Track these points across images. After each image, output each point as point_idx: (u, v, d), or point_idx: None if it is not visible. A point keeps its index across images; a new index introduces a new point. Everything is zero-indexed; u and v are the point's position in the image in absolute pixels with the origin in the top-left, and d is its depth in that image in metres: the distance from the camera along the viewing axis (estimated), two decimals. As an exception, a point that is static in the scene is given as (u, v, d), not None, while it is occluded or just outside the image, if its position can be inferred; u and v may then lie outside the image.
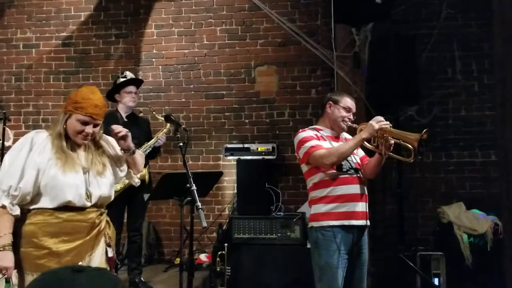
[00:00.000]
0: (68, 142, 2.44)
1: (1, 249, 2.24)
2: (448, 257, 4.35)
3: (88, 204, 2.41)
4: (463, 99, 5.20)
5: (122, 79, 4.35)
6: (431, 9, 5.17)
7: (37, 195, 2.34)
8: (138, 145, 4.21)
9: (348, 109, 3.07)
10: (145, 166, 4.25)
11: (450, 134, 5.20)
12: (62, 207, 2.35)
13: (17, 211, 2.32)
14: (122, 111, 4.31)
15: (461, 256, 4.47)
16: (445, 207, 4.77)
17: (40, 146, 2.37)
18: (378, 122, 2.87)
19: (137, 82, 4.46)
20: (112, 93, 4.34)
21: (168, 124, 4.30)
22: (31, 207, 2.35)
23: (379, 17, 4.50)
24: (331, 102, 3.10)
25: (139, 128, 4.35)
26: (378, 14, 4.42)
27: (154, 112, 4.48)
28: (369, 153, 3.12)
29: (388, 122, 2.89)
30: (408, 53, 4.72)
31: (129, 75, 4.43)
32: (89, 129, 2.41)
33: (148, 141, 4.31)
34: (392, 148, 2.91)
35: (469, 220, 4.56)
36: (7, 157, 2.36)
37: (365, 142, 2.95)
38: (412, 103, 4.91)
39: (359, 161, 3.10)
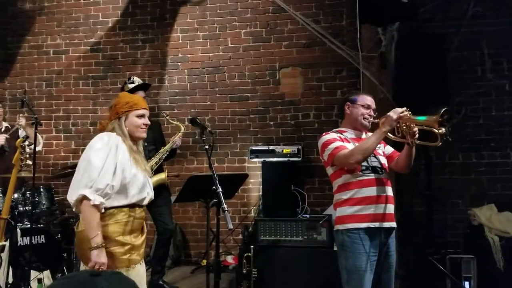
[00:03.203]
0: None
1: (97, 246, 2.39)
2: (479, 260, 4.25)
3: (146, 202, 2.63)
4: (494, 98, 5.07)
5: (130, 85, 4.38)
6: (459, 7, 5.06)
7: (116, 193, 2.50)
8: (155, 150, 4.26)
9: (367, 106, 3.03)
10: (163, 171, 4.31)
11: (481, 134, 5.08)
12: (132, 205, 2.53)
13: (103, 209, 2.46)
14: None
15: (493, 259, 4.36)
16: (476, 209, 4.66)
17: (120, 146, 2.53)
18: (396, 112, 2.83)
19: (145, 87, 4.50)
20: None
21: (183, 127, 4.35)
22: (107, 206, 2.49)
23: (406, 16, 4.44)
24: (348, 103, 3.08)
25: (154, 133, 4.39)
26: (404, 13, 4.36)
27: (167, 117, 4.52)
28: (398, 147, 3.07)
29: (405, 108, 2.84)
30: (436, 52, 4.63)
31: (137, 80, 4.47)
32: (146, 120, 2.65)
33: (163, 144, 4.35)
34: (417, 135, 2.85)
35: (501, 223, 4.45)
36: (95, 157, 2.46)
37: (391, 134, 2.92)
38: (441, 103, 4.79)
39: (385, 161, 3.05)
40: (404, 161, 2.98)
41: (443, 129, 2.75)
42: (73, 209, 2.55)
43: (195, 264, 5.23)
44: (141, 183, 2.55)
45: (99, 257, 2.37)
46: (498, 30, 5.04)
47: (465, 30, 4.99)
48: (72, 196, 2.45)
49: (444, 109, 2.75)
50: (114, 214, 2.48)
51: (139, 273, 2.58)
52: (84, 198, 2.40)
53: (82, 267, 2.56)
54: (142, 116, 2.63)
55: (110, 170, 2.44)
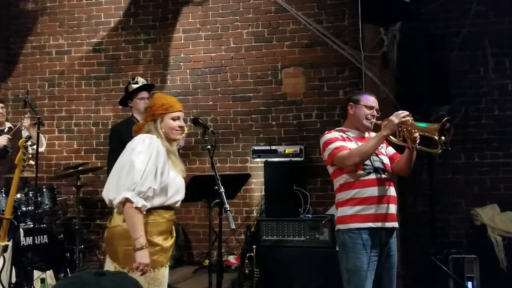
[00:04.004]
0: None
1: (141, 247, 2.42)
2: (482, 260, 4.25)
3: (178, 205, 2.68)
4: (496, 98, 5.06)
5: (133, 85, 4.38)
6: (461, 6, 5.06)
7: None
8: None
9: (369, 107, 3.03)
10: None
11: (484, 134, 5.07)
12: (165, 207, 2.58)
13: (144, 211, 2.50)
14: (138, 117, 4.33)
15: (496, 259, 4.36)
16: (478, 209, 4.65)
17: (160, 148, 2.56)
18: (398, 116, 2.82)
19: (149, 87, 4.50)
20: (125, 99, 4.40)
21: (187, 128, 4.34)
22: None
23: (408, 16, 4.43)
24: (351, 103, 3.07)
25: None
26: (406, 13, 4.36)
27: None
28: (400, 149, 3.07)
29: (407, 113, 2.84)
30: (438, 52, 4.63)
31: (141, 80, 4.47)
32: (181, 122, 2.69)
33: None
34: (418, 140, 2.85)
35: (503, 223, 4.44)
36: (137, 159, 2.48)
37: (392, 137, 2.92)
38: (443, 103, 4.80)
39: (387, 161, 3.05)
40: (404, 164, 2.98)
41: (443, 138, 2.75)
42: (108, 204, 2.59)
43: (197, 264, 5.23)
44: (178, 186, 2.61)
45: (143, 258, 2.42)
46: (501, 29, 5.03)
47: (468, 30, 4.98)
48: (114, 197, 2.48)
49: (445, 119, 2.76)
50: (148, 214, 2.51)
51: (164, 275, 2.62)
52: (127, 200, 2.43)
53: (108, 263, 2.59)
54: (177, 118, 2.67)
55: (152, 173, 2.48)
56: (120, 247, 2.52)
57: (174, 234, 2.70)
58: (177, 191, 2.61)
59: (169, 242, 2.63)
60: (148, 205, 2.48)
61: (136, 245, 2.41)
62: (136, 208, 2.42)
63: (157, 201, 2.53)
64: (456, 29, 5.03)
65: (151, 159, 2.49)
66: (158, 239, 2.55)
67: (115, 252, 2.55)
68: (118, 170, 2.53)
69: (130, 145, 2.57)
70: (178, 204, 2.67)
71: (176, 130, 2.65)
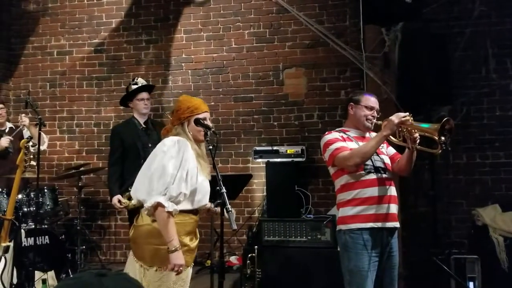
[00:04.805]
0: None
1: (175, 249, 2.48)
2: (484, 260, 4.24)
3: (203, 207, 2.74)
4: (498, 98, 5.06)
5: (133, 86, 4.38)
6: (463, 7, 5.06)
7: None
8: None
9: (370, 108, 3.03)
10: None
11: (485, 135, 5.06)
12: (193, 210, 2.62)
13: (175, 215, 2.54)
14: (139, 118, 4.33)
15: (497, 259, 4.36)
16: (480, 210, 4.65)
17: (190, 152, 2.58)
18: (398, 116, 2.83)
19: (149, 88, 4.49)
20: (125, 100, 4.39)
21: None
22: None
23: (410, 16, 4.43)
24: (352, 103, 3.07)
25: (158, 134, 4.40)
26: (408, 13, 4.36)
27: (170, 118, 4.52)
28: (400, 149, 3.06)
29: (407, 114, 2.84)
30: (440, 52, 4.62)
31: (140, 81, 4.47)
32: (208, 122, 2.72)
33: None
34: (418, 141, 2.86)
35: (505, 223, 4.44)
36: (169, 164, 2.51)
37: (392, 137, 2.92)
38: (445, 103, 4.80)
39: (388, 161, 3.05)
40: (404, 164, 2.98)
41: (443, 138, 2.75)
42: (136, 204, 2.64)
43: (199, 264, 5.22)
44: (205, 191, 2.67)
45: (177, 260, 2.48)
46: (503, 30, 5.03)
47: (469, 30, 4.98)
48: (145, 200, 2.52)
49: (445, 119, 2.77)
50: (177, 215, 2.54)
51: (188, 275, 2.68)
52: (159, 205, 2.47)
53: (132, 262, 2.62)
54: (204, 119, 2.70)
55: (183, 178, 2.51)
56: (148, 245, 2.55)
57: (198, 236, 2.75)
58: (204, 196, 2.67)
59: (195, 243, 2.70)
60: (178, 209, 2.52)
61: (170, 247, 2.47)
62: (168, 212, 2.46)
63: (185, 205, 2.57)
64: (458, 29, 5.03)
65: (182, 164, 2.52)
66: (186, 239, 2.60)
67: (142, 250, 2.58)
68: (149, 173, 2.54)
69: (161, 148, 2.58)
70: (204, 207, 2.74)
71: (197, 133, 2.68)
